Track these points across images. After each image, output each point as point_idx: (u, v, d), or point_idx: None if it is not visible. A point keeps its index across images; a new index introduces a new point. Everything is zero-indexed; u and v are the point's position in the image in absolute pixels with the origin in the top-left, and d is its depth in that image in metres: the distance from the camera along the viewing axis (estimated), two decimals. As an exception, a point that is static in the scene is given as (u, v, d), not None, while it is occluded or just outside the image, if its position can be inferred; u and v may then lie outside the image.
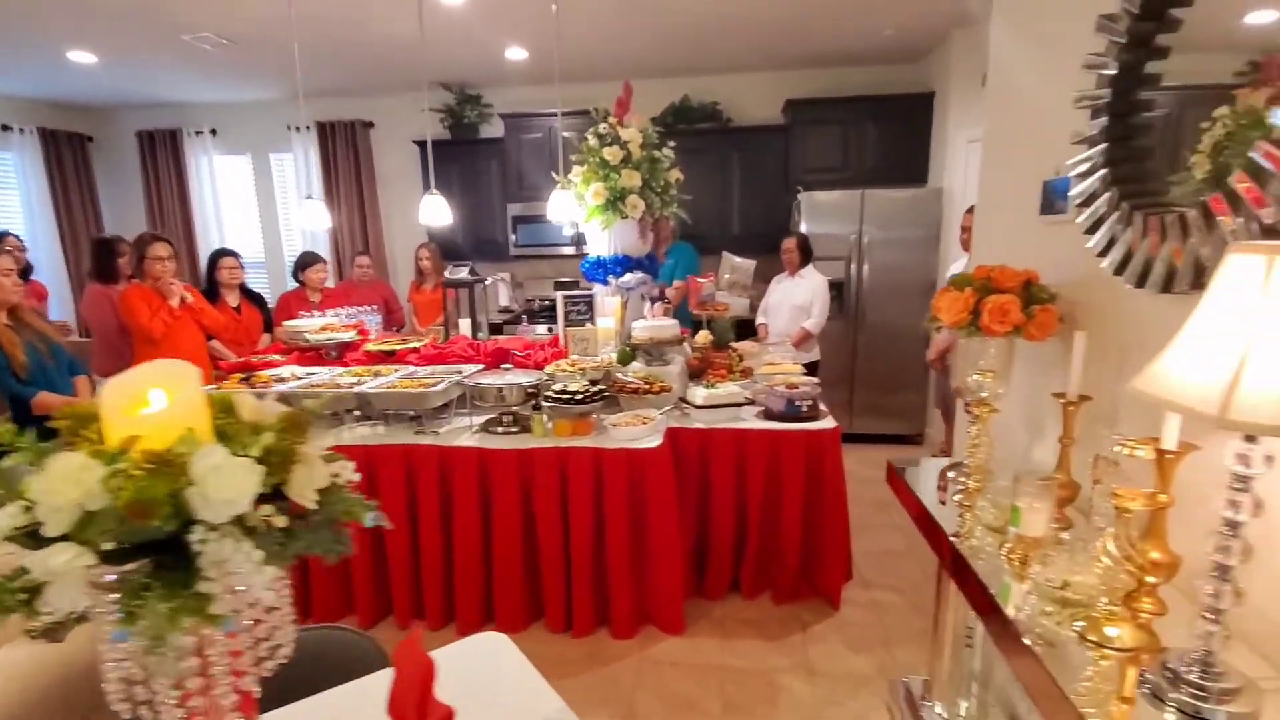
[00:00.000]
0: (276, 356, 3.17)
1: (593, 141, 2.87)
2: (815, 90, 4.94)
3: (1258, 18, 0.88)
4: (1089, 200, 1.43)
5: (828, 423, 2.57)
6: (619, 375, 2.72)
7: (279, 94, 5.38)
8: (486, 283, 3.40)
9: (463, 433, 2.52)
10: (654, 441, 2.36)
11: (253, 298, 3.96)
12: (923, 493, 1.66)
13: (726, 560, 2.65)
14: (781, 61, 4.83)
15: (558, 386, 2.47)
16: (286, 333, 3.27)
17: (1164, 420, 0.96)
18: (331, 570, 2.51)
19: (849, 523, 2.62)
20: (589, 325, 2.91)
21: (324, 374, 2.76)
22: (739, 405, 2.63)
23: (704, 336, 3.13)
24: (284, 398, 2.48)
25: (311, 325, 3.18)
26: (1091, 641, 1.04)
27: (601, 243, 2.98)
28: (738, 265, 3.21)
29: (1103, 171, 1.41)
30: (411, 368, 2.85)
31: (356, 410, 2.61)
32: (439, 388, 2.45)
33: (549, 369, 2.66)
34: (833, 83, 4.96)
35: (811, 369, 4.02)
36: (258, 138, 5.73)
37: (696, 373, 2.92)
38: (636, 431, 2.39)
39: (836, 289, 4.47)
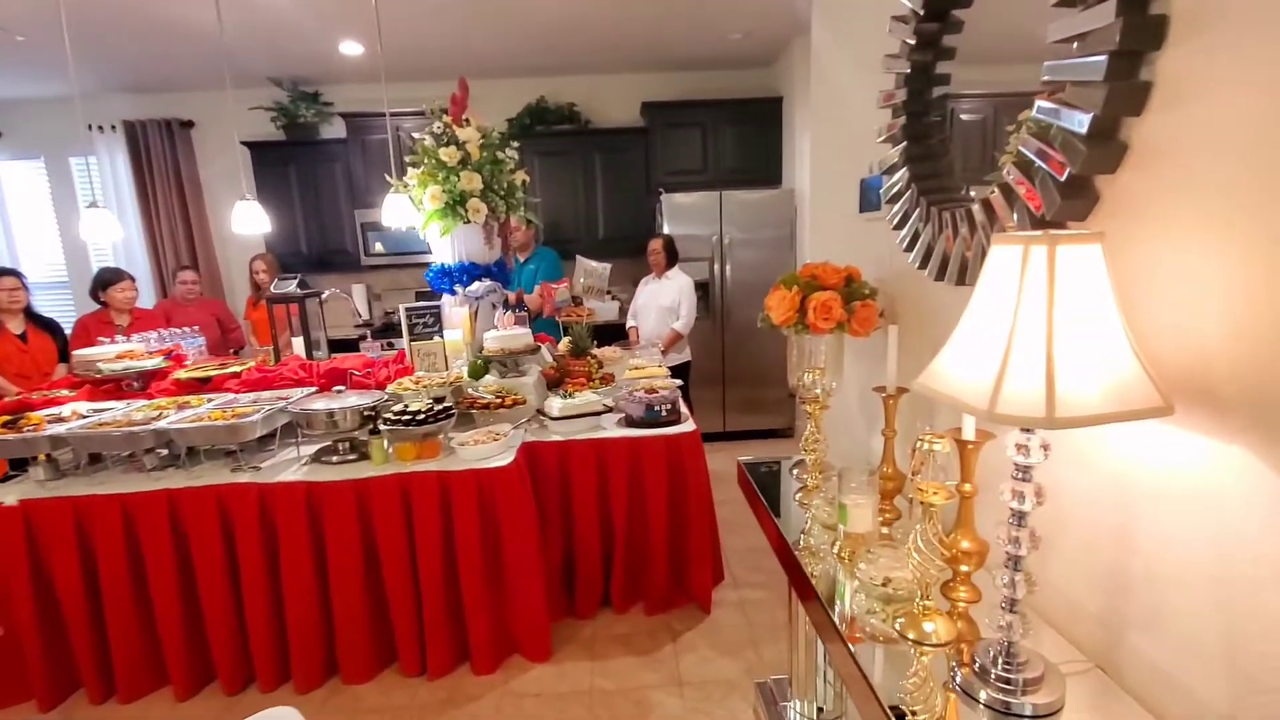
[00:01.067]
0: (65, 391, 2.71)
1: (428, 142, 2.69)
2: (674, 93, 5.00)
3: (1054, 31, 0.92)
4: (895, 198, 1.48)
5: (687, 426, 2.55)
6: (470, 390, 2.58)
7: (76, 88, 4.69)
8: (323, 296, 3.09)
9: (289, 466, 2.26)
10: (504, 459, 2.23)
11: (42, 323, 3.40)
12: (778, 492, 1.65)
13: (595, 576, 2.57)
14: (638, 64, 4.84)
15: (398, 407, 2.27)
16: (79, 363, 2.81)
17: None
18: (134, 637, 2.16)
19: (716, 524, 2.61)
20: (436, 339, 2.70)
21: (118, 409, 2.38)
22: (598, 414, 2.56)
23: (564, 344, 3.03)
24: (56, 441, 2.11)
25: (106, 353, 2.74)
26: (910, 639, 1.03)
27: (445, 250, 2.82)
28: (592, 269, 3.15)
29: (904, 170, 1.45)
30: (230, 396, 2.53)
31: (162, 450, 2.27)
32: (254, 418, 2.17)
33: (390, 388, 2.47)
34: (690, 85, 5.04)
35: (683, 370, 4.06)
36: (52, 139, 4.96)
37: (554, 383, 2.83)
38: (486, 450, 2.25)
39: (702, 289, 4.54)
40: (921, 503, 1.02)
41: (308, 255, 4.92)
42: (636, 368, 3.17)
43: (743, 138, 4.77)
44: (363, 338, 4.36)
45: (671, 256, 3.98)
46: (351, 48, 4.04)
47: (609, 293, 5.14)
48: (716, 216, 4.53)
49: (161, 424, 2.16)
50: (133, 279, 3.66)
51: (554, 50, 4.39)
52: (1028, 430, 0.86)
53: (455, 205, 2.70)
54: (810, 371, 1.59)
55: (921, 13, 1.34)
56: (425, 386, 2.47)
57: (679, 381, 2.82)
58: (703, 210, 4.53)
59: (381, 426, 2.23)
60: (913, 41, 1.39)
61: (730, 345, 4.75)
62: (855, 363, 1.88)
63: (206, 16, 3.33)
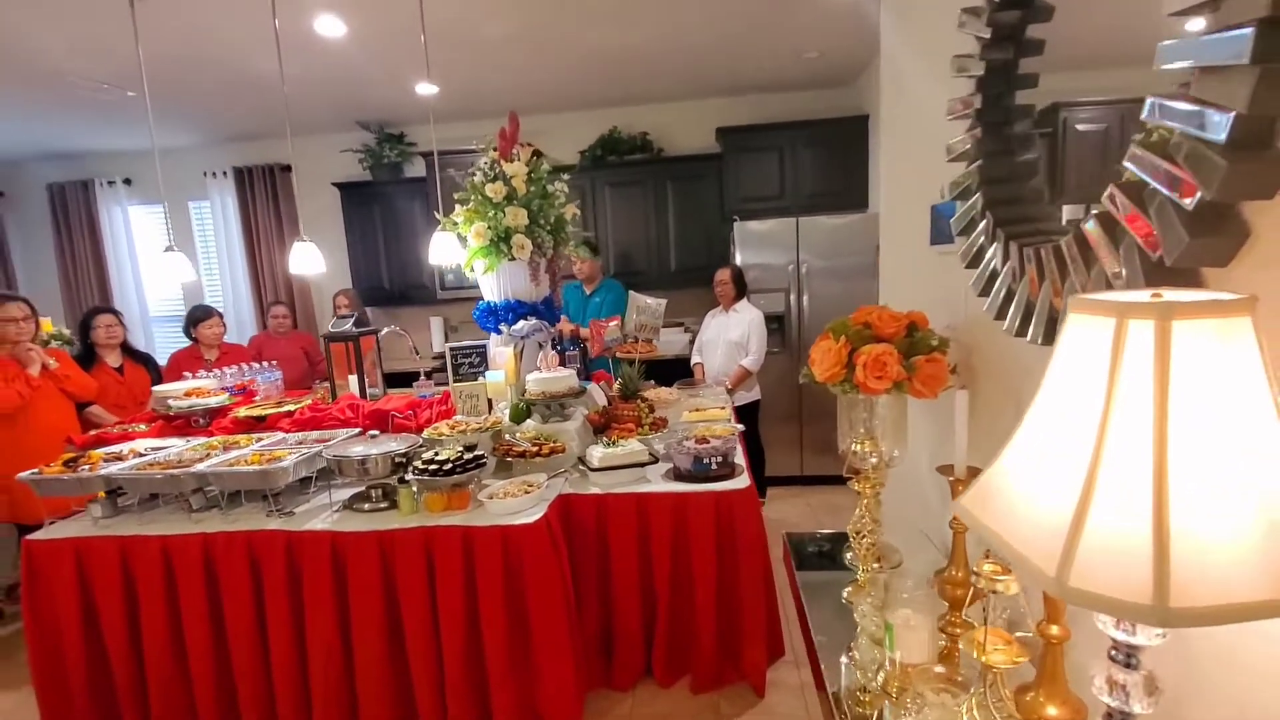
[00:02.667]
0: (142, 426, 2.84)
1: (477, 178, 2.63)
2: (748, 117, 4.81)
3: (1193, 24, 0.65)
4: (968, 228, 1.20)
5: (740, 481, 2.30)
6: (508, 437, 2.46)
7: (193, 139, 5.14)
8: (381, 333, 3.10)
9: (322, 512, 2.21)
10: (533, 515, 2.07)
11: (138, 357, 3.64)
12: (827, 581, 1.38)
13: (636, 643, 2.34)
14: (711, 89, 4.70)
15: (429, 454, 2.18)
16: (156, 399, 2.94)
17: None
18: (171, 677, 2.15)
19: (774, 593, 2.33)
20: (480, 379, 2.63)
21: (174, 449, 2.44)
22: (642, 465, 2.36)
23: (617, 385, 2.87)
24: (109, 481, 2.15)
25: (176, 389, 2.85)
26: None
27: (490, 287, 2.78)
28: (645, 306, 2.99)
29: (978, 195, 1.16)
30: (280, 435, 2.53)
31: (209, 489, 2.28)
32: (285, 463, 2.13)
33: (427, 433, 2.39)
34: (765, 109, 4.84)
35: (751, 410, 3.90)
36: (174, 186, 5.46)
37: (600, 428, 2.66)
38: (515, 504, 2.11)
39: (777, 321, 4.31)
40: (981, 662, 0.73)
41: (389, 290, 5.10)
42: (696, 409, 2.98)
43: (823, 160, 4.50)
44: (426, 373, 4.43)
45: (740, 288, 3.82)
46: (426, 88, 4.14)
47: (681, 325, 5.06)
48: (793, 244, 4.29)
49: (199, 467, 2.16)
50: (220, 315, 3.86)
51: (620, 81, 4.33)
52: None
53: (500, 241, 2.65)
54: (861, 440, 1.32)
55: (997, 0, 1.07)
56: (461, 432, 2.37)
57: (739, 428, 2.63)
58: (778, 237, 4.30)
59: (409, 475, 2.13)
60: (988, 35, 1.12)
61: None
62: (928, 421, 1.60)
63: (290, 71, 3.50)
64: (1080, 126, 1.08)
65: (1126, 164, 0.77)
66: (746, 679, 2.33)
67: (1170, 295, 0.51)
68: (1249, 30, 0.60)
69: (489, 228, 2.64)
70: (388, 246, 5.03)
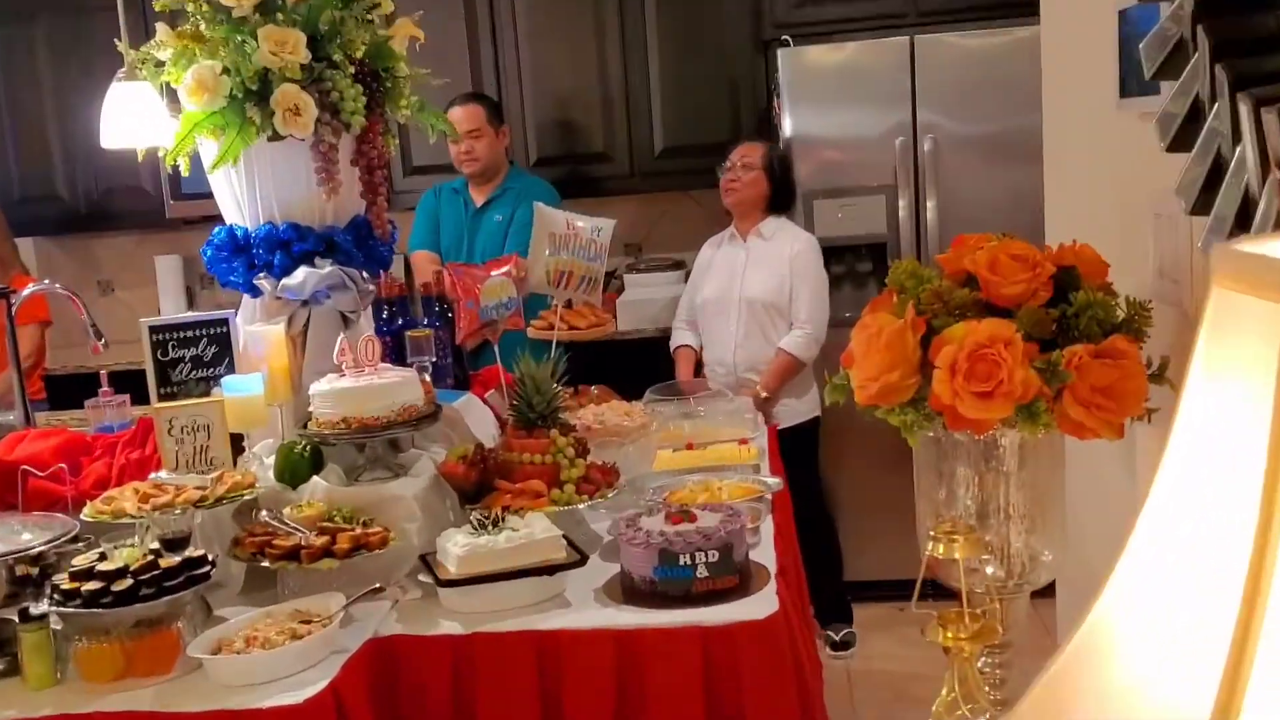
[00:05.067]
0: None
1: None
2: None
3: None
4: (1168, 68, 1.27)
5: (757, 603, 2.34)
6: (268, 517, 2.49)
7: None
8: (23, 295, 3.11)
9: None
10: (304, 687, 2.09)
11: None
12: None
13: None
14: None
15: (86, 560, 2.22)
16: None
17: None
18: None
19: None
20: (216, 393, 2.69)
21: None
22: (551, 571, 2.41)
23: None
24: None
25: None
26: None
27: (230, 197, 2.91)
28: (566, 227, 3.09)
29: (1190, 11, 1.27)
30: None
31: None
32: None
33: (89, 511, 2.46)
34: None
35: (805, 441, 4.09)
36: None
37: (470, 492, 2.70)
38: (269, 663, 2.12)
39: (870, 255, 4.43)
40: None
41: (69, 202, 5.38)
42: (690, 444, 3.16)
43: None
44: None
45: (780, 189, 3.98)
46: None
47: (678, 264, 5.07)
48: (904, 89, 4.39)
49: None
50: None
51: None
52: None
53: (250, 100, 2.68)
54: (951, 534, 1.28)
55: None
56: (165, 506, 2.39)
57: (773, 484, 2.84)
58: (872, 77, 4.42)
59: (44, 606, 2.17)
60: None
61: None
62: (1115, 476, 1.63)
63: None
64: None
65: None
66: None
67: None
68: None
69: (225, 71, 2.67)
70: (62, 116, 5.17)
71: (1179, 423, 0.74)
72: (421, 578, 2.47)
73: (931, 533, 1.34)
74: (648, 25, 4.88)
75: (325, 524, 2.43)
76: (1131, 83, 1.53)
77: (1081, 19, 1.77)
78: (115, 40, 3.09)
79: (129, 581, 2.11)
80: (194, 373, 2.77)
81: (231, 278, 2.87)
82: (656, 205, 5.22)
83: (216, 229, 2.96)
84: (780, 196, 3.94)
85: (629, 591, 2.42)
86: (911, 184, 4.39)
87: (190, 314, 2.74)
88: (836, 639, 4.38)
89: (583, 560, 2.46)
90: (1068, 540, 1.41)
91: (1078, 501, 1.64)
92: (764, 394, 3.80)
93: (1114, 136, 1.61)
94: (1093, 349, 1.24)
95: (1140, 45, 1.35)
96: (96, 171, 5.18)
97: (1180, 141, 1.26)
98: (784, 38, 4.57)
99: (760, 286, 3.90)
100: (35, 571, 2.26)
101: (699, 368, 4.17)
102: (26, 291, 3.53)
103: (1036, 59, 4.11)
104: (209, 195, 4.68)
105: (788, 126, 4.39)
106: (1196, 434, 0.73)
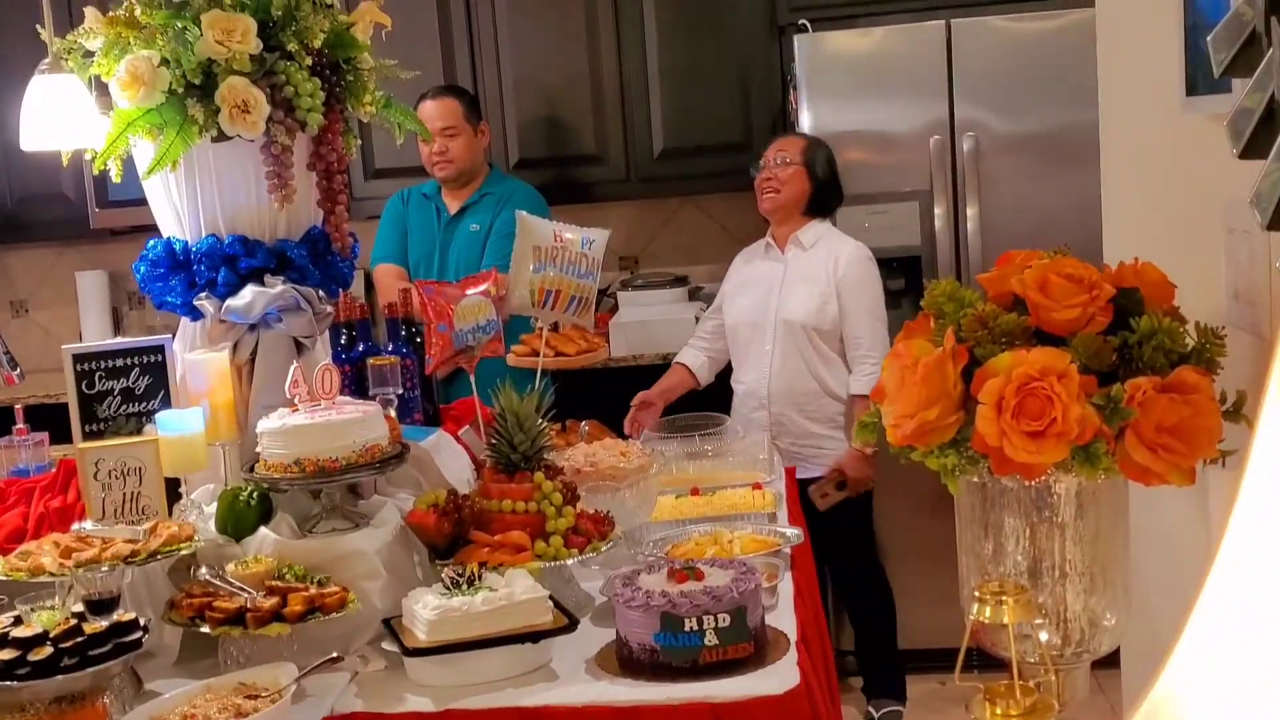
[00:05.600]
0: None
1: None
2: None
3: None
4: (1242, 61, 1.27)
5: (779, 673, 2.37)
6: (207, 573, 2.51)
7: None
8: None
9: None
10: None
11: None
12: None
13: None
14: None
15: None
16: None
17: None
18: None
19: None
20: (147, 430, 2.73)
21: None
22: (535, 639, 2.42)
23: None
24: None
25: None
26: None
27: (167, 206, 2.96)
28: (562, 246, 3.10)
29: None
30: None
31: None
32: None
33: (1, 568, 2.47)
34: None
35: (859, 514, 4.16)
36: None
37: (442, 547, 2.72)
38: None
39: (891, 268, 4.43)
40: None
41: None
42: (697, 492, 3.19)
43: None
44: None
45: (824, 188, 4.00)
46: None
47: (680, 281, 5.07)
48: (940, 81, 4.44)
49: None
50: None
51: None
52: None
53: (191, 95, 2.73)
54: (999, 595, 1.31)
55: None
56: (91, 563, 2.39)
57: (792, 536, 2.90)
58: (904, 66, 4.46)
59: None
60: None
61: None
62: (1183, 525, 1.66)
63: None
64: None
65: None
66: None
67: None
68: None
69: (164, 62, 2.70)
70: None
71: (1253, 464, 0.75)
72: (385, 645, 2.48)
73: (976, 594, 1.35)
74: (645, 8, 4.90)
75: (274, 583, 2.45)
76: (1199, 79, 1.56)
77: (1141, 3, 1.81)
78: (37, 27, 3.10)
79: (48, 650, 2.12)
80: (124, 407, 2.79)
81: (168, 298, 2.88)
82: (656, 214, 5.26)
83: (151, 242, 2.97)
84: (823, 197, 3.99)
85: (626, 662, 2.42)
86: (949, 190, 4.43)
87: (120, 339, 2.72)
88: (876, 716, 4.40)
89: (572, 625, 2.47)
90: (1132, 602, 1.42)
91: (1143, 557, 1.66)
92: (868, 450, 3.77)
93: (1180, 139, 1.65)
94: (1159, 382, 1.25)
95: (1208, 37, 1.35)
96: (12, 176, 5.18)
97: (1255, 146, 1.24)
98: (802, 22, 4.60)
99: (800, 306, 3.94)
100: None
101: (721, 393, 4.17)
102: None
103: (1092, 47, 4.21)
104: (140, 201, 4.75)
105: (806, 123, 4.42)
106: (1275, 477, 0.74)
